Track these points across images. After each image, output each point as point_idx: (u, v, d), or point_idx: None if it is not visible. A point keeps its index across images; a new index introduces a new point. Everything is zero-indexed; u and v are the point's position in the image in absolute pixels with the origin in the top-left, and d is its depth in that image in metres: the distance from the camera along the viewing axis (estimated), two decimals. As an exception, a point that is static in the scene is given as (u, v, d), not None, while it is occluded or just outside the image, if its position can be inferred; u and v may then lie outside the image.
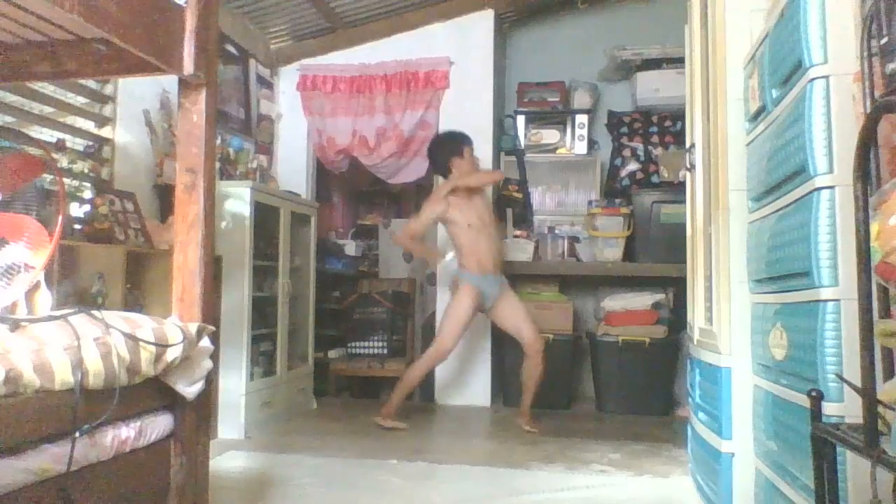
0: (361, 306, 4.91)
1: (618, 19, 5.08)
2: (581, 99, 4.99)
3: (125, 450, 1.61)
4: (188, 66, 1.78)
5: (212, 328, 1.83)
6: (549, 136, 4.90)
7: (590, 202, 4.69)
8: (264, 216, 3.81)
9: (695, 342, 2.69)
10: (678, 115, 4.55)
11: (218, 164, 3.67)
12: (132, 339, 1.54)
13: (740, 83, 2.20)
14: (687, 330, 2.99)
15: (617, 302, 4.46)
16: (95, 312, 1.57)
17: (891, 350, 1.29)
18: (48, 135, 2.96)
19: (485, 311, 3.95)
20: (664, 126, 4.87)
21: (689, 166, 2.77)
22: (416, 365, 3.94)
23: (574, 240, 4.72)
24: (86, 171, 3.16)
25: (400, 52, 4.76)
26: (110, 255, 2.81)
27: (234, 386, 3.51)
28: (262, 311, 3.88)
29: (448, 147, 3.99)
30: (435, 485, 2.79)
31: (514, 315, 3.92)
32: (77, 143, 3.14)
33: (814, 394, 1.36)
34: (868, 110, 1.33)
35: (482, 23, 4.72)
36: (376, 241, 5.95)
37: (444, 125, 4.71)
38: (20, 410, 1.31)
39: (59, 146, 2.94)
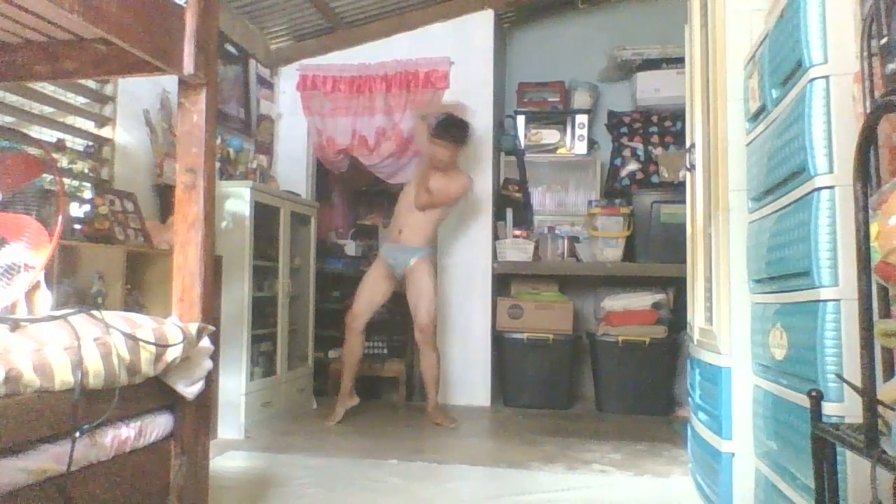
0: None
1: (618, 19, 5.08)
2: (581, 99, 4.99)
3: (125, 450, 1.61)
4: (188, 66, 1.78)
5: (212, 328, 1.83)
6: (549, 136, 4.90)
7: (590, 202, 4.69)
8: (264, 216, 3.81)
9: (695, 342, 2.69)
10: (678, 115, 4.55)
11: (218, 164, 3.67)
12: (132, 340, 1.54)
13: (740, 83, 2.20)
14: (687, 330, 2.99)
15: (617, 302, 4.46)
16: (95, 312, 1.57)
17: (891, 350, 1.29)
18: (48, 135, 2.95)
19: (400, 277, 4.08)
20: (664, 126, 4.87)
21: (689, 166, 2.77)
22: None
23: (574, 240, 4.72)
24: (86, 171, 3.16)
25: (400, 52, 4.76)
26: (110, 255, 2.81)
27: (234, 386, 3.51)
28: (262, 311, 3.88)
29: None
30: (435, 485, 2.79)
31: (414, 293, 4.00)
32: (77, 143, 3.14)
33: (814, 394, 1.36)
34: (868, 110, 1.33)
35: (482, 23, 4.72)
36: (376, 240, 5.94)
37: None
38: (20, 410, 1.31)
39: (59, 146, 2.94)
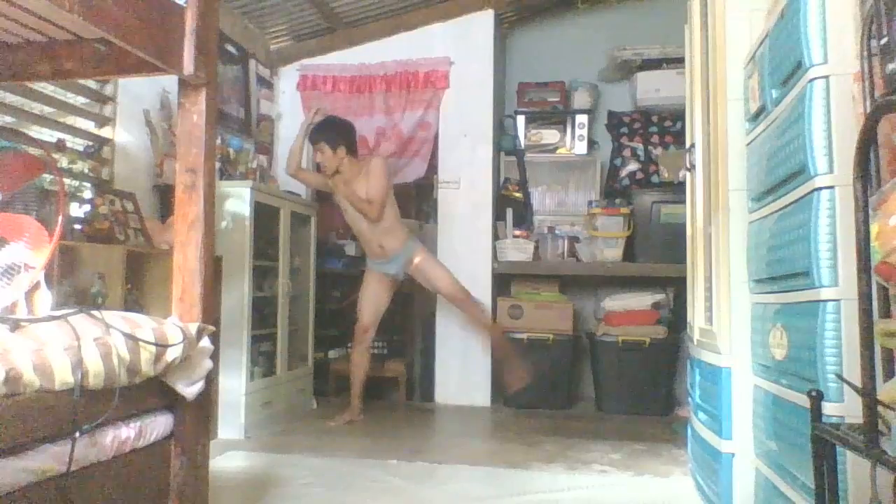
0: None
1: (618, 19, 5.08)
2: (581, 99, 4.99)
3: (125, 450, 1.61)
4: (188, 66, 1.78)
5: (212, 328, 1.83)
6: (549, 136, 4.90)
7: (590, 202, 4.69)
8: (264, 216, 3.81)
9: (695, 342, 2.69)
10: (678, 115, 4.55)
11: (218, 164, 3.67)
12: (132, 339, 1.54)
13: (740, 83, 2.20)
14: (687, 330, 2.99)
15: (617, 302, 4.46)
16: (95, 312, 1.57)
17: (891, 350, 1.29)
18: (48, 135, 2.96)
19: (404, 278, 4.15)
20: (664, 126, 4.87)
21: (689, 166, 2.77)
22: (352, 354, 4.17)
23: (574, 240, 4.72)
24: (86, 171, 3.16)
25: (400, 52, 4.76)
26: (110, 255, 2.81)
27: (234, 386, 3.51)
28: (262, 311, 3.88)
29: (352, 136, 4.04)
30: (435, 485, 2.79)
31: (427, 281, 4.08)
32: (77, 143, 3.14)
33: (814, 394, 1.36)
34: (868, 110, 1.33)
35: (482, 23, 4.72)
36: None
37: (444, 125, 4.73)
38: (20, 410, 1.31)
39: (59, 146, 2.94)
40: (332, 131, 3.95)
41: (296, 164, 4.07)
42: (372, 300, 4.05)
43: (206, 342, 1.82)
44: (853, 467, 1.43)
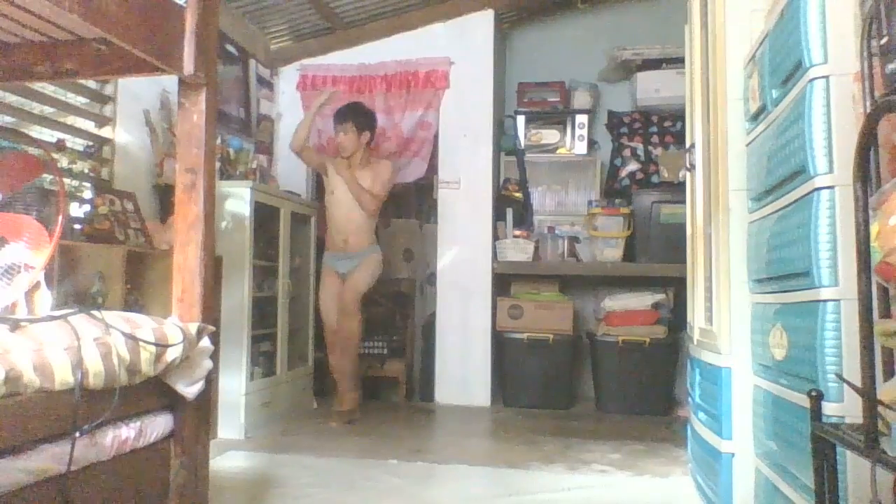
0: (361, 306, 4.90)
1: (618, 19, 5.08)
2: (581, 99, 4.99)
3: (125, 450, 1.61)
4: (188, 66, 1.78)
5: (212, 328, 1.83)
6: (549, 136, 4.91)
7: (590, 202, 4.69)
8: (264, 216, 3.81)
9: (695, 342, 2.69)
10: (678, 115, 4.55)
11: (218, 164, 3.67)
12: (132, 339, 1.54)
13: (740, 83, 2.20)
14: (687, 330, 2.99)
15: (617, 302, 4.46)
16: (95, 312, 1.57)
17: (891, 350, 1.29)
18: (48, 135, 2.96)
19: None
20: (664, 126, 4.87)
21: (689, 166, 2.78)
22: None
23: (574, 240, 4.72)
24: (86, 171, 3.16)
25: (400, 52, 4.76)
26: (110, 255, 2.81)
27: (234, 386, 3.51)
28: (262, 311, 3.88)
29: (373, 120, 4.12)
30: (435, 485, 2.79)
31: (351, 278, 4.02)
32: (77, 143, 3.14)
33: (814, 394, 1.36)
34: (868, 110, 1.33)
35: (482, 23, 4.72)
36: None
37: (444, 125, 4.72)
38: (20, 410, 1.31)
39: (59, 146, 2.94)
40: (363, 116, 4.03)
41: (303, 140, 4.04)
42: (334, 301, 4.06)
43: (206, 342, 1.82)
44: (853, 467, 1.43)
